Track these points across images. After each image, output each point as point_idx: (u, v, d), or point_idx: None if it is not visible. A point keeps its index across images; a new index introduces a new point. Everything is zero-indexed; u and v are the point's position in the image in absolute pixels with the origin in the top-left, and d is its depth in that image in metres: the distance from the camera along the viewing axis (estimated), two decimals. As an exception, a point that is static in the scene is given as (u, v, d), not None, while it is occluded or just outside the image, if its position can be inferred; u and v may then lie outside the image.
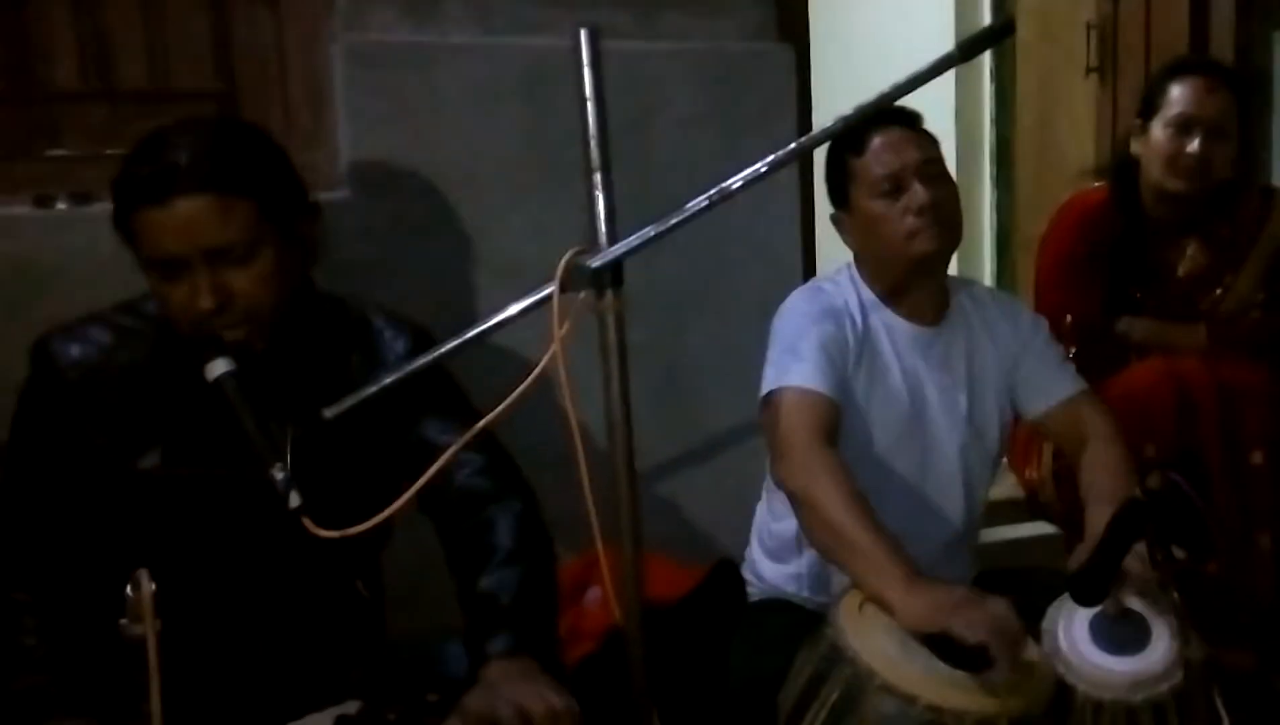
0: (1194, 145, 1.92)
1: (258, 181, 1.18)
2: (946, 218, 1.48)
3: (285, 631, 1.28)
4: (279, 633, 1.27)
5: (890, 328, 1.54)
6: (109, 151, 1.64)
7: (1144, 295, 2.01)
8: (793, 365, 1.43)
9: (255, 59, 1.73)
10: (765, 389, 1.45)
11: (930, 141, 1.51)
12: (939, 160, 1.50)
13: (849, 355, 1.48)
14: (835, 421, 1.41)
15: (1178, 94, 1.94)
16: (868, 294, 1.55)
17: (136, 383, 1.22)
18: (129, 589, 0.82)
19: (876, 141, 1.48)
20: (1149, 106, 1.99)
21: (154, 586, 0.81)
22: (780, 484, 1.40)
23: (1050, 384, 1.58)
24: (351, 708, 1.15)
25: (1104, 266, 2.00)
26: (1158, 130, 1.96)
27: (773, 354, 1.47)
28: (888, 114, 1.48)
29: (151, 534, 0.96)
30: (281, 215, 1.20)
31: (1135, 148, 2.00)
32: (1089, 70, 2.52)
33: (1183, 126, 1.93)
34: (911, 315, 1.54)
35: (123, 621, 0.82)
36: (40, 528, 1.22)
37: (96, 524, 1.23)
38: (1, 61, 1.64)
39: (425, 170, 1.78)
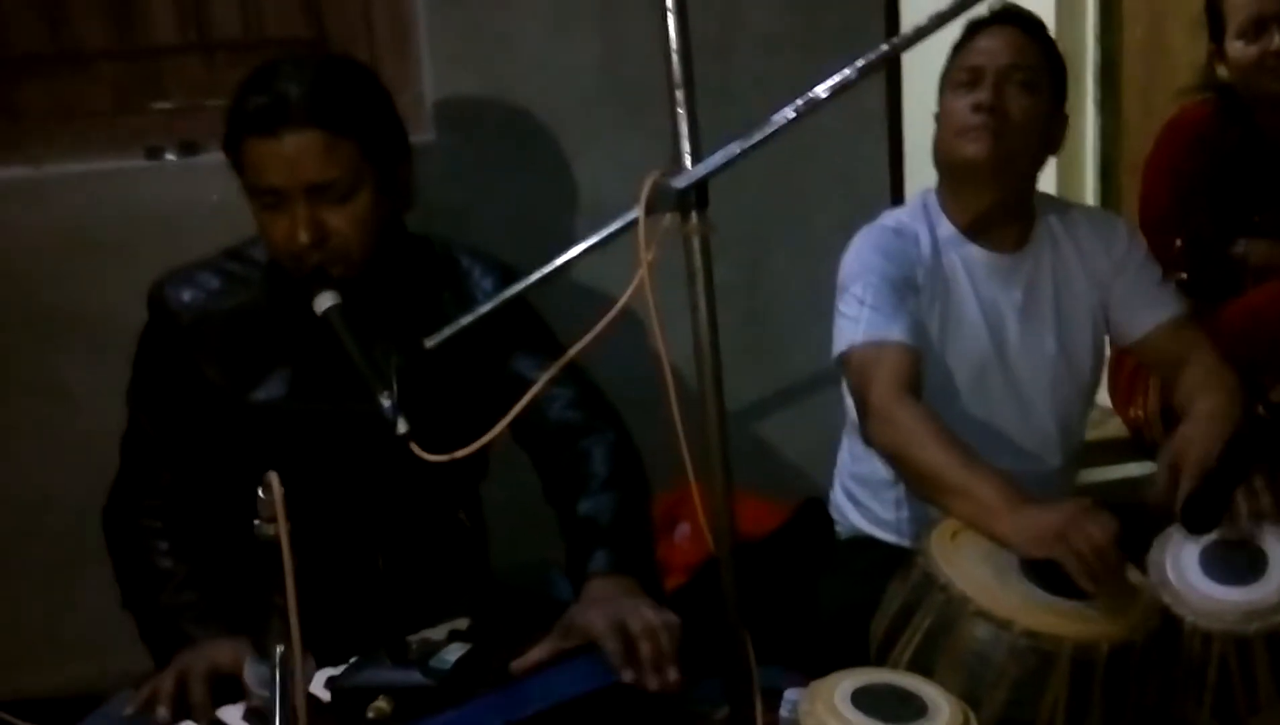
0: (1276, 41, 1.79)
1: (363, 123, 1.21)
2: (1007, 129, 1.40)
3: (395, 556, 1.33)
4: (389, 557, 1.33)
5: (967, 261, 1.48)
6: (210, 103, 1.69)
7: (1262, 216, 1.90)
8: (863, 316, 1.40)
9: (343, 3, 1.75)
10: (839, 346, 1.42)
11: (1037, 52, 1.45)
12: (1032, 70, 1.43)
13: (920, 295, 1.44)
14: (915, 368, 1.37)
15: None
16: (943, 226, 1.49)
17: (245, 323, 1.28)
18: (260, 491, 0.86)
19: (980, 37, 1.44)
20: (1216, 27, 1.87)
21: (283, 489, 0.85)
22: (871, 446, 1.38)
23: (1148, 305, 1.51)
24: (462, 623, 1.20)
25: (1217, 185, 1.89)
26: (1233, 46, 1.84)
27: (842, 305, 1.44)
28: (1005, 13, 1.44)
29: (266, 464, 1.01)
30: (382, 158, 1.23)
31: (1221, 73, 1.89)
32: (1207, -28, 2.34)
33: (1256, 28, 1.80)
34: (990, 243, 1.48)
35: (256, 522, 0.87)
36: (163, 460, 1.30)
37: (216, 454, 1.29)
38: (107, 18, 1.71)
39: (506, 110, 1.78)
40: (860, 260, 1.46)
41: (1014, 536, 1.18)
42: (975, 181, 1.45)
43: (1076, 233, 1.52)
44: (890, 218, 1.52)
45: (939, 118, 1.49)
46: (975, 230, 1.48)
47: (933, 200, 1.52)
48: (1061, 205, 1.58)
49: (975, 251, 1.48)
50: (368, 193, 1.21)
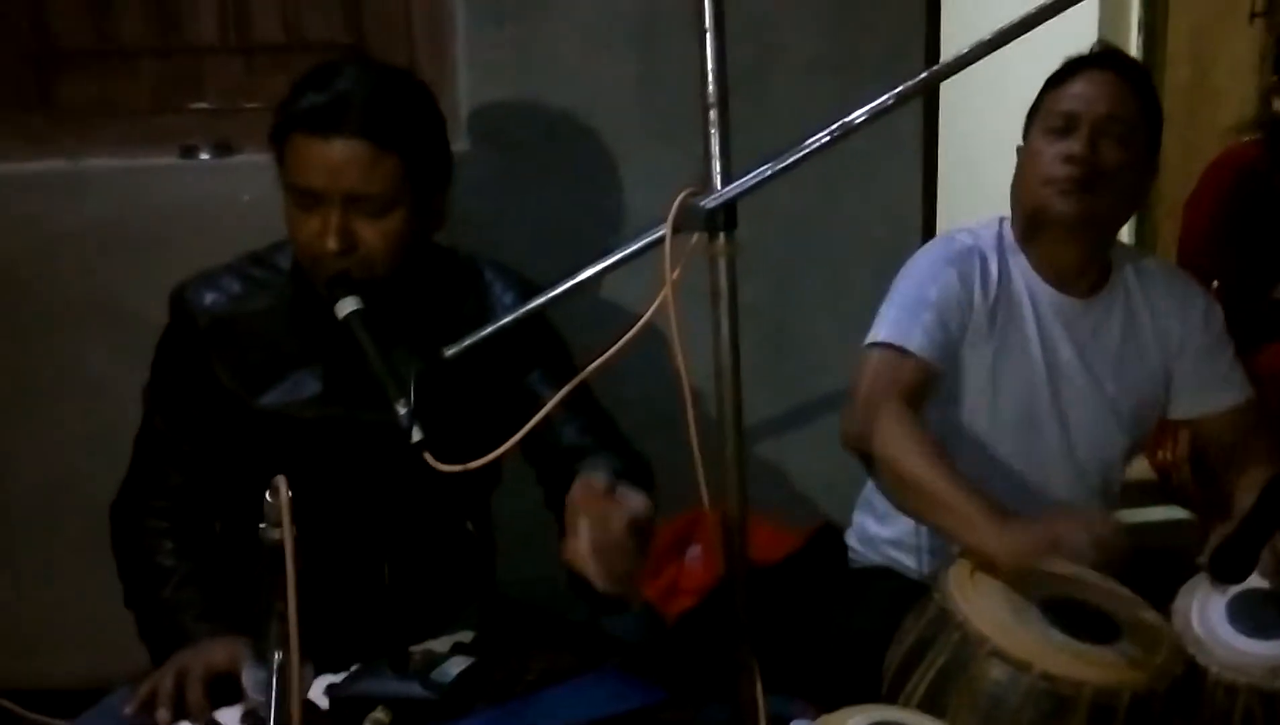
0: None
1: (414, 145, 1.21)
2: (1098, 184, 1.35)
3: (401, 565, 1.33)
4: (395, 566, 1.32)
5: (1035, 297, 1.44)
6: (247, 105, 1.72)
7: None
8: (896, 320, 1.37)
9: (382, 10, 1.77)
10: (868, 338, 1.40)
11: (1137, 103, 1.39)
12: (1130, 124, 1.38)
13: (973, 314, 1.40)
14: (922, 385, 1.34)
15: None
16: (1016, 258, 1.45)
17: (264, 328, 1.28)
18: (268, 495, 0.86)
19: (1078, 79, 1.38)
20: (1279, 57, 1.84)
21: (290, 493, 0.84)
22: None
23: (1213, 388, 1.46)
24: (466, 637, 1.19)
25: (1260, 226, 1.86)
26: None
27: (884, 306, 1.42)
28: (1106, 56, 1.39)
29: (275, 469, 1.01)
30: (424, 182, 1.23)
31: (1277, 107, 1.86)
32: (1253, 16, 2.33)
33: None
34: (1061, 285, 1.44)
35: (262, 526, 0.86)
36: (173, 461, 1.30)
37: (228, 459, 1.30)
38: (149, 17, 1.74)
39: (540, 122, 1.78)
40: (923, 265, 1.43)
41: (1002, 548, 1.14)
42: (1056, 232, 1.41)
43: (1152, 290, 1.47)
44: (965, 235, 1.48)
45: (1023, 155, 1.44)
46: (1048, 271, 1.44)
47: (1008, 230, 1.47)
48: (1138, 257, 1.53)
49: (1045, 290, 1.44)
50: (403, 211, 1.21)
